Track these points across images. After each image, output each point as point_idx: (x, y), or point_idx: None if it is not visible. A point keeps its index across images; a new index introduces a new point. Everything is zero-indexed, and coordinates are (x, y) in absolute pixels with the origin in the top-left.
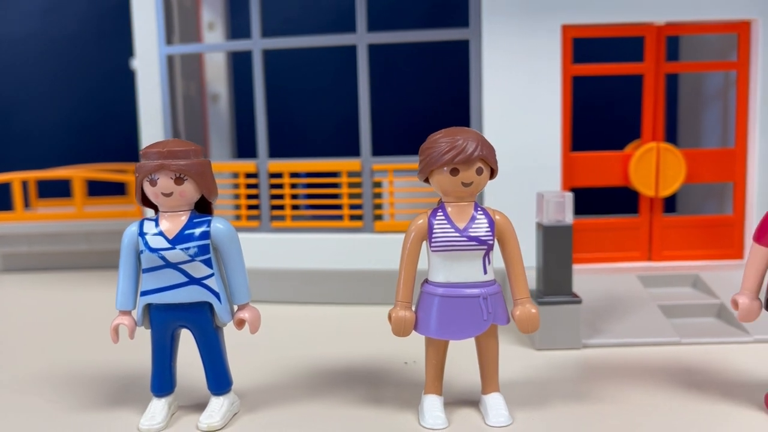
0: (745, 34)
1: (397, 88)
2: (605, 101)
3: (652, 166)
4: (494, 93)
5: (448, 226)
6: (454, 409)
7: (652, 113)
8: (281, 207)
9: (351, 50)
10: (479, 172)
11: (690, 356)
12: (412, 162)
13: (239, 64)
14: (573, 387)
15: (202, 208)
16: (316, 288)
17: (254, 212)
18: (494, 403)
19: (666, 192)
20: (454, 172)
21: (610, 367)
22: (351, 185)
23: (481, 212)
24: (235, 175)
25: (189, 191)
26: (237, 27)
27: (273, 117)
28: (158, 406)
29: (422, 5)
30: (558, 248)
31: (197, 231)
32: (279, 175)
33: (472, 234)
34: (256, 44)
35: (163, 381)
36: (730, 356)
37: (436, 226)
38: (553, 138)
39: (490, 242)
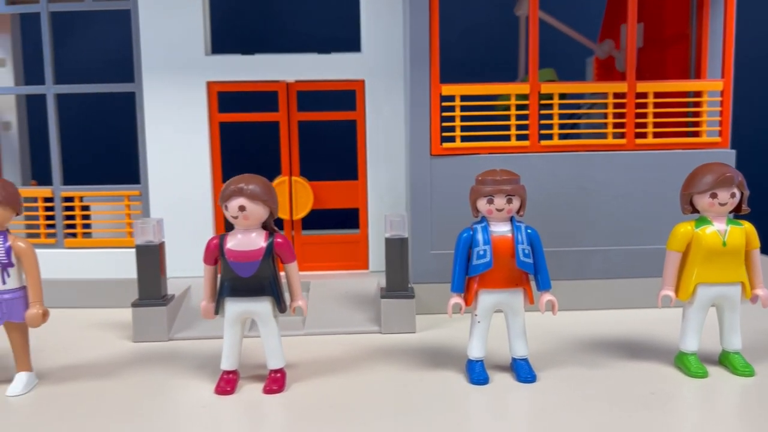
0: (360, 90)
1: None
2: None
3: (285, 195)
4: (156, 137)
5: None
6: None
7: (288, 152)
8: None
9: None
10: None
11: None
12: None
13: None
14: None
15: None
16: None
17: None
18: (19, 378)
19: (299, 215)
20: None
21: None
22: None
23: (1, 238)
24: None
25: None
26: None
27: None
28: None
29: None
30: (150, 264)
31: None
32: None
33: None
34: (50, 89)
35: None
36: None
37: None
38: (205, 174)
39: (4, 261)
